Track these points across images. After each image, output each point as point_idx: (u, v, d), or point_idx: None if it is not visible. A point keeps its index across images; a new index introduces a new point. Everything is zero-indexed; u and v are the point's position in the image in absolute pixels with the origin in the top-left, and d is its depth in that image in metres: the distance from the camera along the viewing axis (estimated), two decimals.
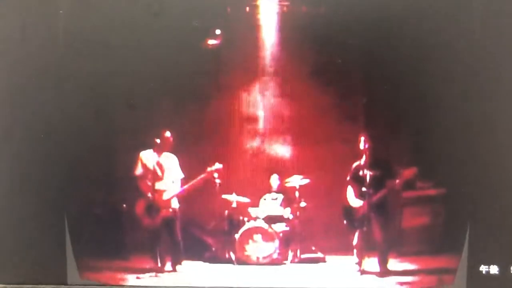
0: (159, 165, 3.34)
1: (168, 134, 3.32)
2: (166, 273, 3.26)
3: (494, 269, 2.82)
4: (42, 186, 2.97)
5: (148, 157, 3.30)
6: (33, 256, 2.98)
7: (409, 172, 3.11)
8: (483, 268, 2.84)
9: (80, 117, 3.08)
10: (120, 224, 3.49)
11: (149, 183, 3.33)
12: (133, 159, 3.60)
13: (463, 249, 2.89)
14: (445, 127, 3.15)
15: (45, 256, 2.98)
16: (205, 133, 3.78)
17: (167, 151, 3.33)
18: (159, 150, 3.31)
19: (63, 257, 2.99)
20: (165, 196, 3.33)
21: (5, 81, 2.94)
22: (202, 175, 3.38)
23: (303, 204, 3.63)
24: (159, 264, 3.33)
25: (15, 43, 2.90)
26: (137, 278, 3.16)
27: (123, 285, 3.11)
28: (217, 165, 3.36)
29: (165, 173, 3.37)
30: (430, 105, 3.42)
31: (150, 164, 3.32)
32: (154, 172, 3.33)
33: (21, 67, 2.92)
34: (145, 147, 3.49)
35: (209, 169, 3.35)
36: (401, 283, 3.06)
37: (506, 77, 2.81)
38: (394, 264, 3.23)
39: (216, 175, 3.38)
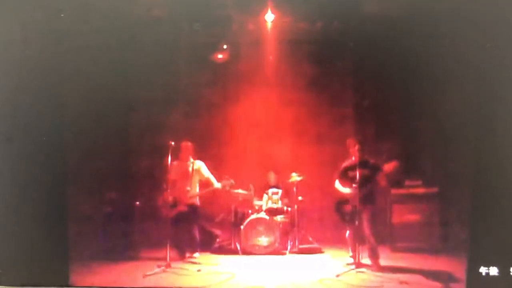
0: (187, 170, 3.55)
1: (188, 143, 3.55)
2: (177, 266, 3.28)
3: (494, 271, 2.73)
4: (44, 188, 2.89)
5: (177, 163, 3.49)
6: (35, 258, 2.88)
7: (389, 166, 3.17)
8: (483, 270, 2.73)
9: (82, 119, 3.08)
10: (132, 223, 3.68)
11: (177, 185, 3.52)
12: (143, 163, 3.74)
13: (462, 250, 2.82)
14: (445, 130, 3.25)
15: (47, 258, 2.90)
16: (213, 138, 3.97)
17: (192, 158, 3.57)
18: (185, 157, 3.54)
19: (65, 259, 2.92)
20: (190, 195, 3.53)
21: (7, 84, 2.86)
22: (218, 186, 3.61)
23: (300, 198, 3.86)
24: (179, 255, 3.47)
25: (16, 46, 2.85)
26: (144, 276, 3.07)
27: (125, 287, 2.99)
28: (231, 182, 3.58)
29: (194, 177, 3.57)
30: (417, 109, 3.59)
31: (180, 169, 3.52)
32: (183, 176, 3.54)
33: (22, 70, 2.85)
34: (151, 152, 3.62)
35: (223, 182, 3.57)
36: (400, 282, 2.94)
37: (495, 77, 2.77)
38: (387, 259, 3.31)
39: (228, 188, 3.60)
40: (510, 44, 2.76)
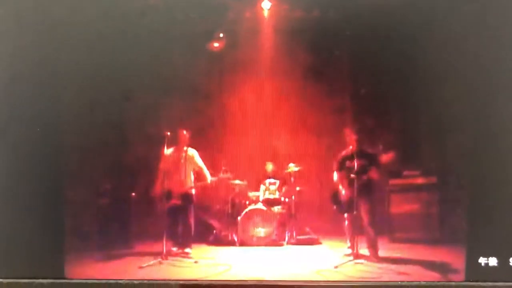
0: (180, 158, 3.48)
1: (184, 131, 3.45)
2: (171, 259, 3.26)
3: (493, 261, 2.75)
4: (39, 179, 2.87)
5: (169, 152, 3.38)
6: (30, 250, 2.87)
7: (387, 156, 3.18)
8: (482, 260, 2.76)
9: (77, 110, 3.03)
10: (126, 214, 3.51)
11: (171, 175, 3.43)
12: (138, 153, 3.53)
13: (462, 241, 2.85)
14: (441, 122, 3.17)
15: (42, 250, 2.88)
16: (210, 128, 3.94)
17: (186, 146, 3.48)
18: (178, 145, 3.43)
19: (60, 251, 2.90)
20: (185, 186, 3.48)
21: (1, 75, 2.83)
22: (215, 178, 3.54)
23: (298, 188, 3.85)
24: (174, 249, 3.41)
25: (10, 36, 2.81)
26: (140, 268, 3.06)
27: (120, 280, 2.99)
28: (229, 175, 3.53)
29: (187, 166, 3.51)
30: (415, 99, 3.56)
31: (172, 158, 3.42)
32: (175, 165, 3.46)
33: (16, 61, 2.82)
34: (147, 142, 3.45)
35: (221, 175, 3.53)
36: (398, 273, 2.98)
37: (495, 68, 2.78)
38: (386, 251, 3.29)
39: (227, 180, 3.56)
40: (509, 35, 2.75)
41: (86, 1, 2.95)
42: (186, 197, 3.49)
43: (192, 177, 3.56)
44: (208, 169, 3.57)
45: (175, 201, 3.42)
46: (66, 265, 2.91)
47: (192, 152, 3.52)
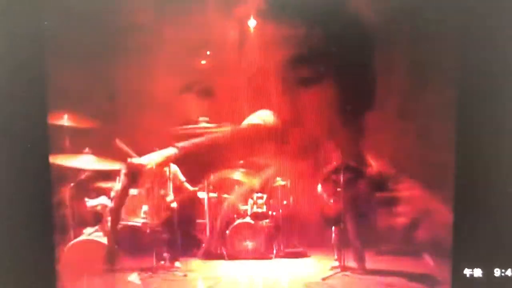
0: (162, 173, 3.45)
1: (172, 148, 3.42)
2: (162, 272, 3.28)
3: (478, 272, 2.73)
4: (29, 195, 2.78)
5: (150, 167, 3.34)
6: (20, 266, 2.79)
7: (373, 170, 3.23)
8: (467, 271, 2.74)
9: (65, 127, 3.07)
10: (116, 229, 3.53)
11: (153, 190, 3.40)
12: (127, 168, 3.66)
13: (447, 252, 2.82)
14: (424, 132, 3.23)
15: (33, 265, 2.80)
16: (197, 143, 3.96)
17: (169, 162, 3.45)
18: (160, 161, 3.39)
19: (51, 267, 2.84)
20: (168, 199, 3.44)
21: None
22: (199, 187, 3.55)
23: (285, 202, 3.86)
24: (161, 263, 3.41)
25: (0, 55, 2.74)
26: (130, 282, 3.08)
27: None
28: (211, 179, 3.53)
29: (171, 181, 3.48)
30: (400, 113, 3.61)
31: (158, 174, 3.39)
32: (157, 180, 3.41)
33: (6, 79, 2.73)
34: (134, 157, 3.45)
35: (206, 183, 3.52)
36: (385, 285, 3.00)
37: (479, 87, 2.74)
38: (372, 262, 3.35)
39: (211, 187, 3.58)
40: (495, 44, 2.76)
41: (73, 19, 2.95)
42: (174, 211, 3.46)
43: (172, 194, 3.51)
44: (193, 184, 3.54)
45: (163, 216, 3.40)
46: (58, 280, 2.85)
47: (174, 168, 3.52)
